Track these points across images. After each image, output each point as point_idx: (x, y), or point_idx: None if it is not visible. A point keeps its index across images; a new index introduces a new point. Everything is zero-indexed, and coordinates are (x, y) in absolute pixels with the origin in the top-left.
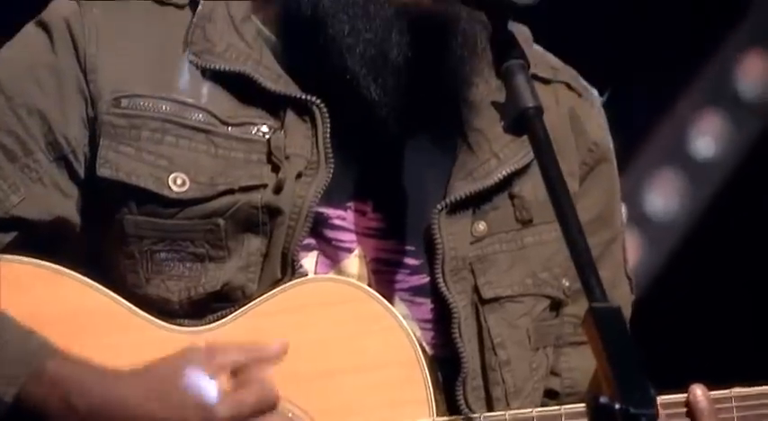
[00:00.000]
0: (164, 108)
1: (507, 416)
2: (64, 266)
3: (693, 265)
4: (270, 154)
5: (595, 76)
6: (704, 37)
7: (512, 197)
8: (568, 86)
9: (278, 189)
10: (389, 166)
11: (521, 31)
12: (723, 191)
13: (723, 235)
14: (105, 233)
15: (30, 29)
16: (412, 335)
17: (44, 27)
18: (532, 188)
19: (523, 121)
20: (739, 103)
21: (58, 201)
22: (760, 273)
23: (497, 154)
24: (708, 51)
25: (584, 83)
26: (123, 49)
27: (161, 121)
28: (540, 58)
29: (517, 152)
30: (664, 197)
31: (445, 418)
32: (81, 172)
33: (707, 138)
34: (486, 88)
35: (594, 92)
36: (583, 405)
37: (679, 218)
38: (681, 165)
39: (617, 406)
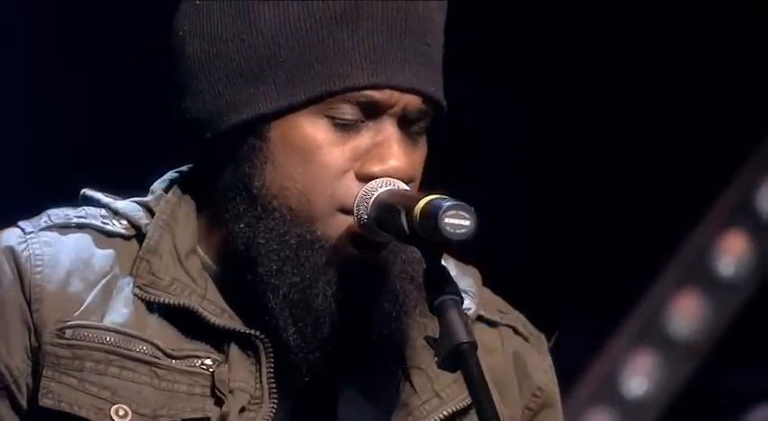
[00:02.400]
0: (108, 339)
1: None
2: None
3: None
4: (213, 387)
5: (534, 315)
6: (635, 276)
7: None
8: (515, 330)
9: None
10: (328, 405)
11: (470, 273)
12: None
13: None
14: None
15: None
16: None
17: None
18: None
19: (457, 357)
20: (671, 342)
21: None
22: None
23: (439, 393)
24: (640, 290)
25: (532, 328)
26: (68, 279)
27: (105, 352)
28: (488, 301)
29: (459, 392)
30: None
31: None
32: (23, 402)
33: (639, 377)
34: (427, 324)
35: (542, 337)
36: None
37: None
38: (613, 405)
39: None
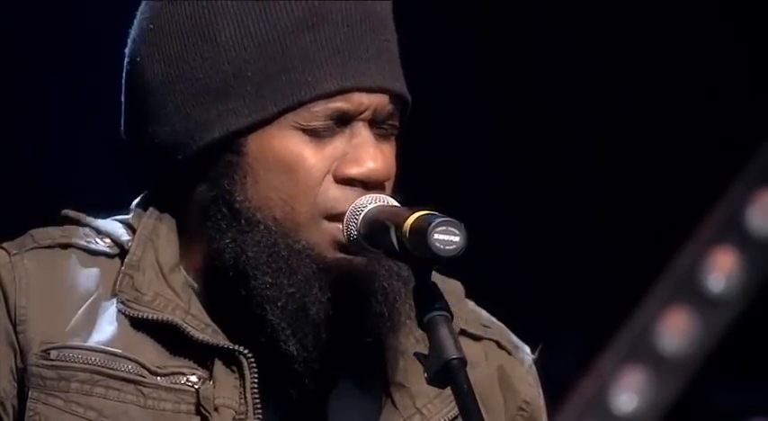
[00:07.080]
0: (93, 359)
1: None
2: None
3: None
4: (198, 405)
5: (524, 332)
6: (625, 293)
7: None
8: (498, 344)
9: None
10: (313, 419)
11: (452, 286)
12: None
13: None
14: None
15: None
16: None
17: None
18: None
19: (447, 373)
20: (661, 358)
21: None
22: None
23: (420, 409)
24: (630, 306)
25: (516, 340)
26: (53, 299)
27: (90, 373)
28: (471, 315)
29: (441, 408)
30: None
31: None
32: None
33: (629, 394)
34: (410, 341)
35: (526, 349)
36: None
37: None
38: None
39: None
